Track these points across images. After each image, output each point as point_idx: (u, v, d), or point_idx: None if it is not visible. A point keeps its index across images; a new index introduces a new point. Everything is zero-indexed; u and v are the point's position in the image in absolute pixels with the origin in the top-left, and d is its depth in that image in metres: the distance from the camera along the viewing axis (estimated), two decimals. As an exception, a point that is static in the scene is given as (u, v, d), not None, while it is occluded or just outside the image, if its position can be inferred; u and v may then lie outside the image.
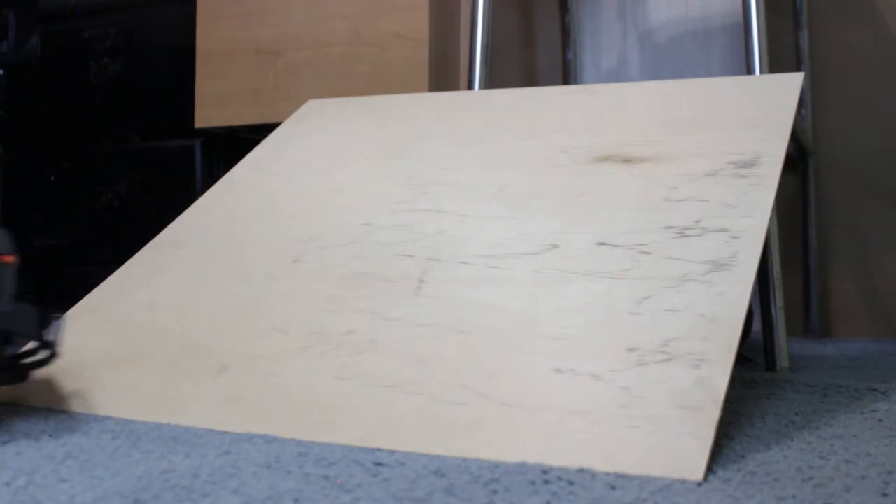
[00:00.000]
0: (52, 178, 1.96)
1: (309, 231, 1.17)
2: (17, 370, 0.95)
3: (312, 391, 0.94)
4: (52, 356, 0.94)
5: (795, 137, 1.46)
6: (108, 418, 0.96)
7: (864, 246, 1.77)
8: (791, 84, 1.17)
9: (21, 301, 0.93)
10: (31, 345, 0.99)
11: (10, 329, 0.90)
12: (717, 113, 1.14)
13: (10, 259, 0.91)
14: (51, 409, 1.01)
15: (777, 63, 1.77)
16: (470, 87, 1.57)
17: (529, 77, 2.01)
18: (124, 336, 1.09)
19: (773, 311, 1.33)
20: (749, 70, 1.40)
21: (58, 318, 0.97)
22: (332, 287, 1.07)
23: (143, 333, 1.08)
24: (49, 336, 0.95)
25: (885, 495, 0.70)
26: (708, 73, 1.92)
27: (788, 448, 0.84)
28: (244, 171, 1.35)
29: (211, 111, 1.78)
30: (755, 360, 1.37)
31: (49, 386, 1.06)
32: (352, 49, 1.66)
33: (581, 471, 0.77)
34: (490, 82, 1.59)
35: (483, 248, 1.06)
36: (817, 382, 1.14)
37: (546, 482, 0.74)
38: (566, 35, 2.02)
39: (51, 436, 0.89)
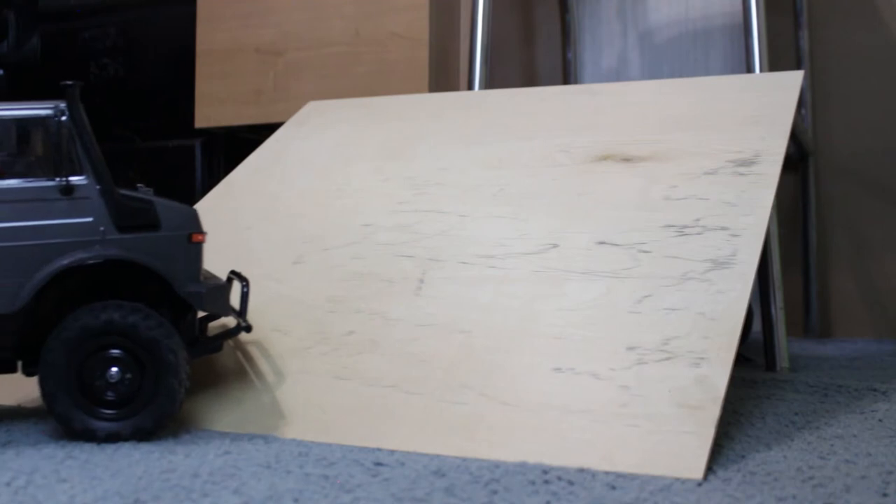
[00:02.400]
0: (52, 178, 1.95)
1: (310, 232, 1.17)
2: (211, 342, 0.95)
3: (312, 391, 0.94)
4: (242, 327, 0.93)
5: (795, 137, 1.46)
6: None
7: (864, 246, 1.77)
8: (791, 82, 1.17)
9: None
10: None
11: (207, 309, 0.90)
12: (717, 111, 1.14)
13: (201, 238, 0.91)
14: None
15: (777, 63, 1.77)
16: (470, 87, 1.57)
17: (529, 77, 2.01)
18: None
19: (773, 311, 1.33)
20: (749, 70, 1.40)
21: (245, 288, 0.96)
22: (332, 287, 1.07)
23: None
24: (239, 308, 0.95)
25: (885, 495, 0.70)
26: (708, 72, 1.92)
27: (788, 448, 0.84)
28: (245, 173, 1.35)
29: (211, 111, 1.78)
30: (755, 360, 1.37)
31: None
32: (352, 49, 1.66)
33: (581, 471, 0.77)
34: (490, 82, 1.59)
35: (483, 248, 1.06)
36: (817, 382, 1.14)
37: (546, 482, 0.74)
38: (566, 35, 2.02)
39: (50, 436, 0.89)
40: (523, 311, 0.97)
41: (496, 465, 0.78)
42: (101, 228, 0.87)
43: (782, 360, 1.32)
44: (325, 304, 1.05)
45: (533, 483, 0.74)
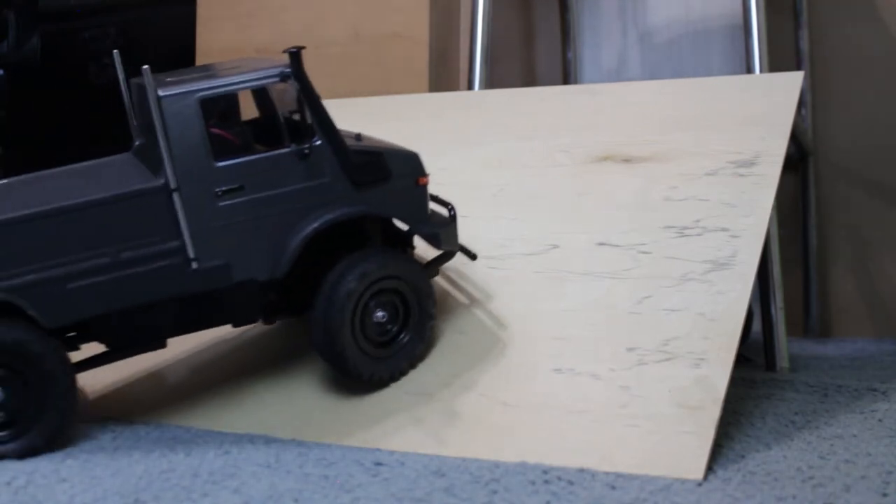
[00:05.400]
0: (52, 178, 1.95)
1: (309, 231, 1.17)
2: (428, 269, 0.96)
3: (313, 391, 0.94)
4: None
5: (795, 138, 1.46)
6: (108, 418, 0.96)
7: (864, 246, 1.77)
8: (791, 83, 1.17)
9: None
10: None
11: (445, 248, 0.92)
12: (717, 112, 1.14)
13: (426, 180, 0.93)
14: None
15: (777, 63, 1.77)
16: (470, 87, 1.57)
17: (529, 77, 2.00)
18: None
19: (773, 311, 1.33)
20: (749, 70, 1.39)
21: (452, 212, 0.96)
22: (332, 287, 1.07)
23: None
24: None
25: (885, 495, 0.71)
26: (708, 73, 1.92)
27: (788, 448, 0.84)
28: (244, 171, 1.35)
29: (211, 111, 1.77)
30: (755, 360, 1.37)
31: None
32: (351, 49, 1.66)
33: (581, 470, 0.77)
34: (490, 82, 1.59)
35: (483, 249, 1.06)
36: (817, 382, 1.14)
37: (546, 482, 0.74)
38: (566, 34, 2.02)
39: (51, 436, 0.89)
40: (523, 311, 0.97)
41: (496, 465, 0.79)
42: (339, 187, 0.88)
43: (782, 360, 1.31)
44: (325, 304, 1.05)
45: (533, 483, 0.74)
